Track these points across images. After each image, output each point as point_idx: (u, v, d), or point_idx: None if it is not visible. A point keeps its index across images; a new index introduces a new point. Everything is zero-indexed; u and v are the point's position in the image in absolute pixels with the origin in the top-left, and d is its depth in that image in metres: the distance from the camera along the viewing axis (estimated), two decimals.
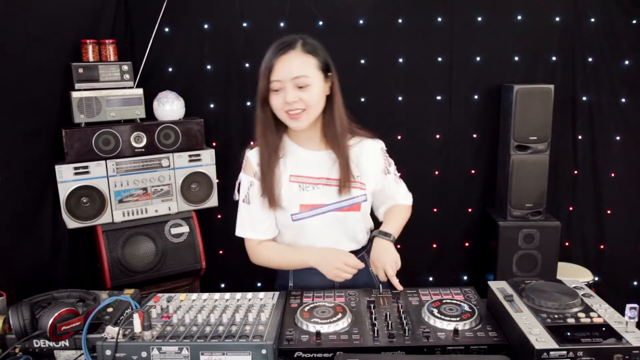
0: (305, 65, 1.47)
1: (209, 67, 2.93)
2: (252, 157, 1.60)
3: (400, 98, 3.04)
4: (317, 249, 1.59)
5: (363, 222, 1.67)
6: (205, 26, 2.89)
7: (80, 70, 2.41)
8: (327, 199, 1.57)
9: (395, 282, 1.49)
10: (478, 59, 3.03)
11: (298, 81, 1.46)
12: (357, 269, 1.54)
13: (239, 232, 1.65)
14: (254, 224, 1.62)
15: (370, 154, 1.64)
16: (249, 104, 3.00)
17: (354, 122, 1.65)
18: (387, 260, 1.52)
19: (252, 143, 1.65)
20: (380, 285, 1.57)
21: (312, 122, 1.54)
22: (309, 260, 1.57)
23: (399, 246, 1.63)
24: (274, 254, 1.64)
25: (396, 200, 1.75)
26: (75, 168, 2.34)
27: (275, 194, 1.55)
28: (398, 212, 1.73)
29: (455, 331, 1.24)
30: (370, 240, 1.68)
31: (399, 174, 1.75)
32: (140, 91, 2.54)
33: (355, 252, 1.63)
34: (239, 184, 1.64)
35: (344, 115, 1.57)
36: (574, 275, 2.93)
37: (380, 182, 1.67)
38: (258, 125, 1.55)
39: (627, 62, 3.03)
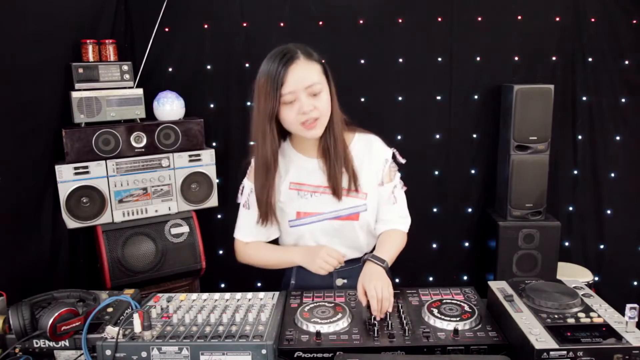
0: (314, 71, 1.45)
1: (209, 67, 2.93)
2: None
3: (400, 98, 3.04)
4: (303, 247, 1.59)
5: (363, 231, 1.63)
6: (205, 26, 2.89)
7: (80, 70, 2.41)
8: (324, 207, 1.56)
9: (379, 313, 1.34)
10: (478, 59, 3.03)
11: (311, 89, 1.43)
12: (339, 260, 1.51)
13: (236, 233, 1.67)
14: (249, 228, 1.63)
15: (372, 162, 1.60)
16: (249, 104, 2.98)
17: (353, 124, 1.62)
18: (382, 285, 1.38)
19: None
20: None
21: None
22: (296, 259, 1.58)
23: None
24: (262, 253, 1.64)
25: (389, 221, 1.64)
26: (75, 168, 2.34)
27: (272, 207, 1.54)
28: (393, 240, 1.62)
29: (455, 331, 1.24)
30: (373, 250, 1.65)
31: (401, 194, 1.67)
32: (140, 91, 2.55)
33: (357, 259, 1.63)
34: (242, 188, 1.65)
35: (341, 121, 1.54)
36: (574, 275, 2.93)
37: (377, 194, 1.61)
38: (264, 144, 1.48)
39: (627, 62, 3.03)
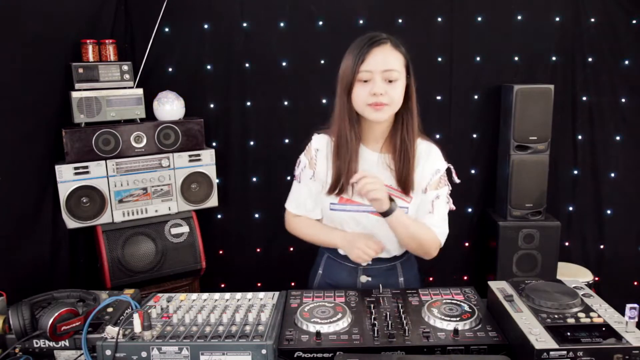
0: (396, 60, 1.48)
1: (209, 67, 2.93)
2: (314, 141, 1.65)
3: None
4: (347, 233, 1.60)
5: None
6: (205, 26, 2.89)
7: (80, 70, 2.41)
8: (366, 199, 1.56)
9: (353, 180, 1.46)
10: (478, 59, 3.03)
11: (388, 74, 1.45)
12: (377, 251, 1.52)
13: (287, 204, 1.73)
14: (298, 201, 1.70)
15: (425, 169, 1.58)
16: (249, 104, 3.00)
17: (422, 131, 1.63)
18: (375, 181, 1.45)
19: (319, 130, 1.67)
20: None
21: (386, 120, 1.54)
22: (337, 241, 1.60)
23: None
24: (308, 229, 1.69)
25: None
26: (75, 168, 2.34)
27: (345, 182, 1.55)
28: (421, 224, 1.57)
29: (455, 331, 1.24)
30: (404, 254, 1.69)
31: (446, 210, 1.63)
32: (140, 91, 2.55)
33: (385, 260, 1.64)
34: (299, 162, 1.69)
35: (417, 121, 1.56)
36: (574, 275, 2.92)
37: (419, 198, 1.59)
38: (341, 115, 1.53)
39: (627, 62, 3.03)
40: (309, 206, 1.67)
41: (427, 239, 1.56)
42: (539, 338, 1.11)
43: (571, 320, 1.18)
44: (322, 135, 1.64)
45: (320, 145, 1.62)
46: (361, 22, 2.95)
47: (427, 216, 1.59)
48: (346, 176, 1.54)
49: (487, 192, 3.15)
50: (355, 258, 1.53)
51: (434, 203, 1.58)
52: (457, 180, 1.65)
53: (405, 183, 1.54)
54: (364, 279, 1.64)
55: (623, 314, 1.16)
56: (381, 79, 1.45)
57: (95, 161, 2.39)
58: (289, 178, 2.96)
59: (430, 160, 1.59)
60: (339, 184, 1.56)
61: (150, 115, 2.62)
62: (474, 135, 3.12)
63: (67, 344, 1.29)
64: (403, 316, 1.32)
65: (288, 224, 1.74)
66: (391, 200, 1.49)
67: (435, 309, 1.35)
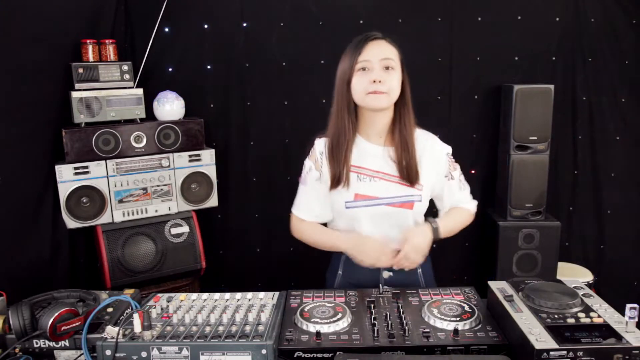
0: (392, 51, 1.57)
1: (209, 67, 2.93)
2: (317, 145, 1.68)
3: None
4: (353, 236, 1.61)
5: (415, 222, 1.67)
6: (205, 26, 2.89)
7: (80, 70, 2.41)
8: (381, 193, 1.60)
9: (395, 262, 1.53)
10: (478, 59, 3.03)
11: (386, 62, 1.53)
12: (392, 255, 1.55)
13: (293, 208, 1.74)
14: (304, 206, 1.71)
15: (434, 157, 1.65)
16: (249, 104, 3.00)
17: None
18: (416, 252, 1.54)
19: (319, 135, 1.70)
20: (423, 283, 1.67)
21: (385, 113, 1.59)
22: (341, 246, 1.62)
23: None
24: (314, 233, 1.70)
25: (458, 201, 1.73)
26: (75, 168, 2.34)
27: (345, 172, 1.59)
28: (456, 213, 1.71)
29: (455, 331, 1.24)
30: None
31: (464, 179, 1.75)
32: (140, 91, 2.55)
33: None
34: (305, 166, 1.71)
35: (412, 113, 1.62)
36: (574, 275, 2.92)
37: (440, 187, 1.68)
38: (339, 107, 1.59)
39: (627, 62, 3.03)
40: (317, 210, 1.69)
41: (465, 220, 1.72)
42: (539, 338, 1.11)
43: (571, 320, 1.18)
44: (323, 139, 1.67)
45: (323, 148, 1.65)
46: (361, 22, 2.95)
47: (458, 193, 1.71)
48: (343, 167, 1.58)
49: (487, 192, 3.15)
50: (370, 263, 1.54)
51: (461, 180, 1.72)
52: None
53: (408, 173, 1.59)
54: (386, 274, 1.65)
55: (623, 314, 1.16)
56: (379, 67, 1.52)
57: (95, 161, 2.39)
58: (289, 178, 2.96)
59: (435, 148, 1.67)
60: (337, 176, 1.60)
61: (150, 115, 2.62)
62: (474, 135, 3.12)
63: (67, 344, 1.29)
64: (403, 316, 1.32)
65: (294, 229, 1.75)
66: (428, 222, 1.61)
67: (435, 309, 1.35)
